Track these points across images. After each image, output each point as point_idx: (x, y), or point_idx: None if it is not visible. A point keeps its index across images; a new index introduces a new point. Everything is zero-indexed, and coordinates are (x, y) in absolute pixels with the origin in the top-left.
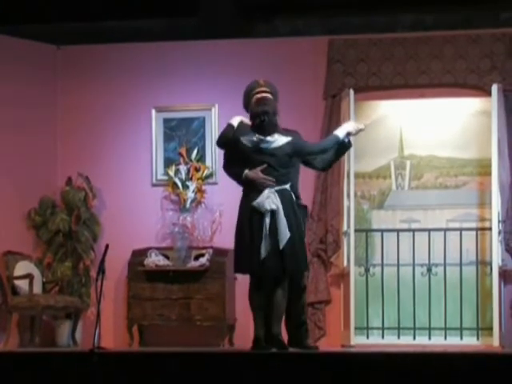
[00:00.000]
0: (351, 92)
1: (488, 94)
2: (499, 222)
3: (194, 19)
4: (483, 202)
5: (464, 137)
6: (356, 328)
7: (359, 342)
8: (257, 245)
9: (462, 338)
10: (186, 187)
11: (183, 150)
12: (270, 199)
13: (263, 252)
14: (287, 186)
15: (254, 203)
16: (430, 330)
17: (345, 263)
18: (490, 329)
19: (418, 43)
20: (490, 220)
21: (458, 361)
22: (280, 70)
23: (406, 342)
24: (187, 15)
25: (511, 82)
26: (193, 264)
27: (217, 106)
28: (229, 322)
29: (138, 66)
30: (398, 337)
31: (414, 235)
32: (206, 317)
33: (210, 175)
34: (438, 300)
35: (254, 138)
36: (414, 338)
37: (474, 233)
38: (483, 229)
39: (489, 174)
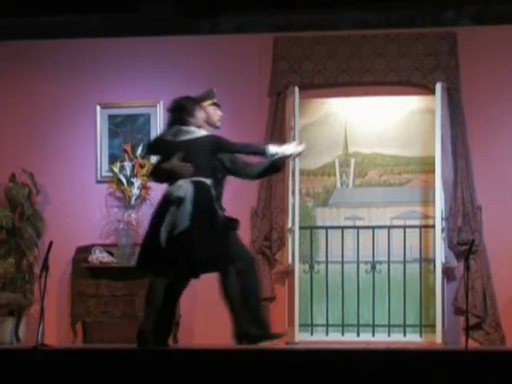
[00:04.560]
0: (296, 90)
1: (432, 92)
2: (443, 219)
3: (139, 15)
4: (427, 199)
5: (408, 135)
6: (300, 325)
7: (303, 338)
8: (157, 234)
9: (405, 335)
10: (130, 184)
11: (128, 147)
12: (181, 187)
13: (162, 241)
14: (206, 181)
15: (165, 191)
16: (373, 326)
17: (289, 260)
18: (433, 326)
19: (362, 41)
20: (434, 217)
21: (402, 357)
22: (224, 68)
23: (349, 338)
24: (131, 11)
25: (455, 80)
26: None
27: (162, 102)
28: None
29: (83, 63)
30: (342, 334)
31: (358, 232)
32: None
33: None
34: (381, 297)
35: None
36: (358, 334)
37: (417, 230)
38: (427, 226)
39: (432, 171)
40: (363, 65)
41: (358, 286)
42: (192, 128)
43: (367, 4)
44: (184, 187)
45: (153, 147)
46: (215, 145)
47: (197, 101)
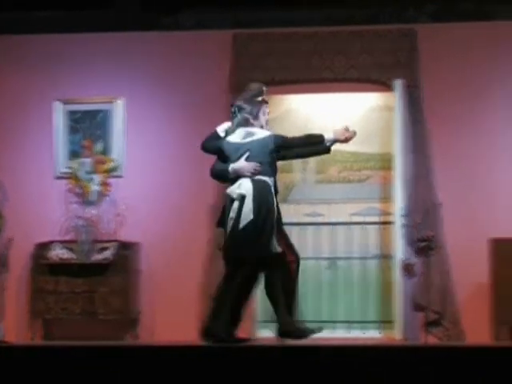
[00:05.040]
0: None
1: (392, 89)
2: (402, 216)
3: (100, 11)
4: (386, 196)
5: (368, 131)
6: (260, 321)
7: (263, 335)
8: (226, 232)
9: (365, 331)
10: (90, 180)
11: (87, 143)
12: (242, 186)
13: (229, 237)
14: (267, 179)
15: (227, 190)
16: (333, 323)
17: None
18: (393, 322)
19: (324, 38)
20: (393, 214)
21: (361, 353)
22: (186, 64)
23: None
24: (95, 8)
25: (414, 77)
26: (97, 257)
27: (122, 98)
28: (133, 315)
29: (43, 58)
30: None
31: (317, 229)
32: (110, 310)
33: (115, 168)
34: (341, 293)
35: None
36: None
37: (377, 227)
38: (386, 223)
39: (392, 168)
40: (324, 61)
41: (318, 282)
42: (255, 129)
43: (329, 2)
44: (245, 185)
45: (215, 146)
46: (279, 144)
47: (259, 101)
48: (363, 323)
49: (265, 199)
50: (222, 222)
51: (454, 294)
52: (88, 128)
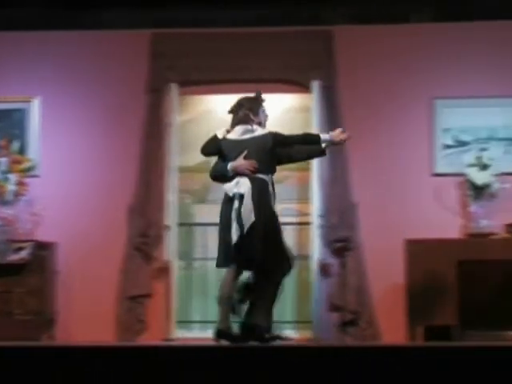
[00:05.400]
0: (174, 86)
1: (308, 90)
2: (319, 216)
3: (17, 9)
4: (303, 196)
5: (285, 132)
6: (177, 322)
7: (181, 335)
8: (228, 233)
9: (281, 331)
10: (6, 180)
11: (4, 142)
12: (240, 184)
13: (234, 238)
14: (264, 177)
15: (224, 186)
16: None
17: (167, 257)
18: (309, 322)
19: (241, 38)
20: (310, 215)
21: (279, 353)
22: (103, 63)
23: None
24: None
25: (331, 78)
26: (13, 257)
27: (39, 98)
28: (49, 315)
29: None
30: None
31: None
32: (26, 311)
33: (32, 168)
34: None
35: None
36: None
37: (294, 227)
38: (303, 223)
39: (309, 169)
40: (241, 62)
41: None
42: (254, 126)
43: (246, 2)
44: (242, 184)
45: (214, 148)
46: (276, 141)
47: (259, 99)
48: (280, 323)
49: (264, 198)
50: (223, 223)
51: (370, 294)
52: (4, 127)
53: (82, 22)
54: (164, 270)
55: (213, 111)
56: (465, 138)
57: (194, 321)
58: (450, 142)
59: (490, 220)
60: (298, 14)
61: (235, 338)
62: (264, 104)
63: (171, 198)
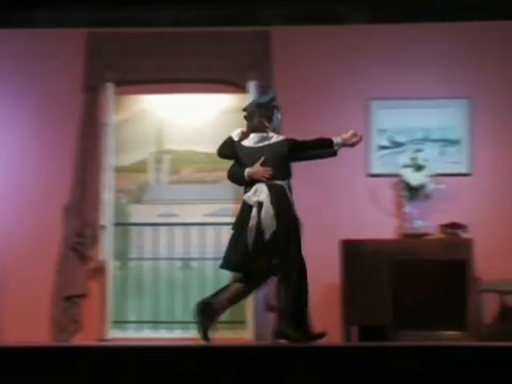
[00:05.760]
0: (111, 86)
1: (245, 90)
2: None
3: None
4: (239, 197)
5: (222, 132)
6: (113, 322)
7: (116, 335)
8: (244, 239)
9: (218, 331)
10: None
11: None
12: (258, 192)
13: (250, 245)
14: (282, 183)
15: (244, 196)
16: (187, 323)
17: (103, 257)
18: (245, 322)
19: (178, 38)
20: None
21: (214, 353)
22: (40, 62)
23: (162, 335)
24: None
25: (268, 79)
26: None
27: None
28: None
29: None
30: (155, 330)
31: (171, 230)
32: None
33: None
34: (195, 294)
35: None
36: (172, 331)
37: (230, 227)
38: None
39: None
40: (179, 62)
41: (171, 283)
42: (270, 134)
43: (184, 2)
44: (261, 191)
45: (231, 151)
46: (292, 148)
47: (274, 106)
48: (216, 324)
49: (283, 203)
50: (236, 226)
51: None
52: None
53: (18, 21)
54: (99, 270)
55: (149, 111)
56: (400, 139)
57: (129, 321)
58: (385, 142)
59: (425, 220)
60: (236, 14)
61: (294, 339)
62: (277, 108)
63: (107, 197)
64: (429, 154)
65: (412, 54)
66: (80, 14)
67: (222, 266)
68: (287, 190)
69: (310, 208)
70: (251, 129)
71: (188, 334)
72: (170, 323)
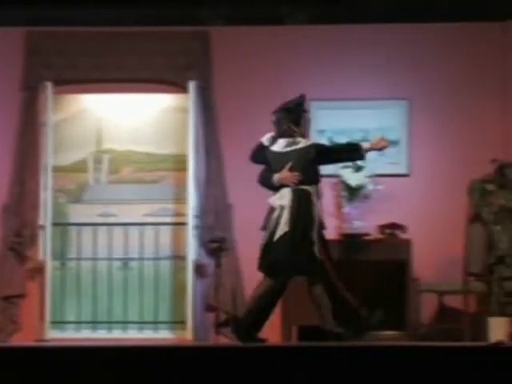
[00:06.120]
0: (49, 85)
1: (185, 90)
2: (194, 217)
3: None
4: (179, 197)
5: (162, 132)
6: (51, 322)
7: (54, 336)
8: (265, 241)
9: (157, 332)
10: None
11: None
12: (283, 196)
13: (267, 247)
14: (309, 188)
15: (269, 200)
16: (126, 323)
17: (41, 257)
18: (185, 322)
19: (117, 38)
20: (186, 215)
21: (153, 353)
22: None
23: (101, 335)
24: None
25: (207, 79)
26: None
27: None
28: None
29: None
30: (94, 331)
31: (110, 230)
32: None
33: None
34: (134, 294)
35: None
36: (111, 331)
37: (170, 228)
38: (179, 224)
39: (185, 169)
40: (118, 61)
41: (110, 283)
42: (298, 138)
43: (123, 1)
44: (286, 196)
45: (262, 157)
46: (320, 152)
47: (302, 110)
48: (155, 324)
49: (304, 210)
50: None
51: (245, 294)
52: None
53: None
54: (38, 270)
55: (88, 110)
56: (339, 139)
57: (68, 321)
58: (325, 143)
59: (364, 221)
60: (176, 14)
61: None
62: (306, 112)
63: (46, 197)
64: (368, 155)
65: (351, 55)
66: (18, 13)
67: (258, 268)
68: (313, 195)
69: (249, 208)
70: (280, 134)
71: (127, 335)
72: (109, 323)
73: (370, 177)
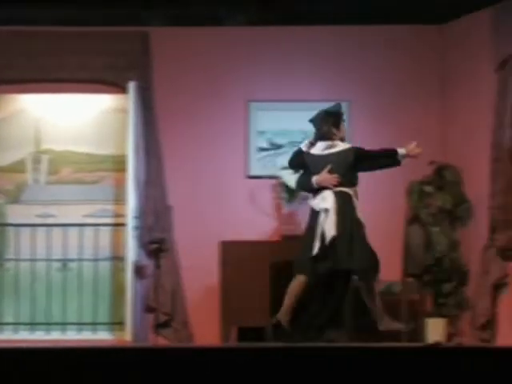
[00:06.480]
0: None
1: (125, 90)
2: (134, 218)
3: None
4: (119, 198)
5: (102, 133)
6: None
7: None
8: (311, 245)
9: (96, 333)
10: None
11: None
12: (326, 199)
13: (315, 250)
14: (349, 191)
15: (311, 203)
16: (65, 325)
17: None
18: (124, 323)
19: (57, 37)
20: (126, 216)
21: (91, 355)
22: None
23: (39, 337)
24: None
25: (147, 79)
26: None
27: None
28: None
29: None
30: (32, 332)
31: (49, 230)
32: None
33: None
34: (73, 295)
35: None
36: (49, 333)
37: (109, 228)
38: (119, 224)
39: (125, 170)
40: (57, 61)
41: (48, 284)
42: (336, 142)
43: (64, 1)
44: (328, 198)
45: (300, 162)
46: (359, 156)
47: (341, 114)
48: (94, 325)
49: (349, 211)
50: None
51: (184, 295)
52: None
53: None
54: None
55: (27, 110)
56: (279, 140)
57: (5, 323)
58: (264, 144)
59: (303, 222)
60: (116, 14)
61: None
62: (344, 117)
63: None
64: None
65: (292, 56)
66: None
67: (294, 271)
68: (353, 198)
69: (190, 209)
70: (319, 137)
71: (65, 336)
72: (48, 325)
73: None
